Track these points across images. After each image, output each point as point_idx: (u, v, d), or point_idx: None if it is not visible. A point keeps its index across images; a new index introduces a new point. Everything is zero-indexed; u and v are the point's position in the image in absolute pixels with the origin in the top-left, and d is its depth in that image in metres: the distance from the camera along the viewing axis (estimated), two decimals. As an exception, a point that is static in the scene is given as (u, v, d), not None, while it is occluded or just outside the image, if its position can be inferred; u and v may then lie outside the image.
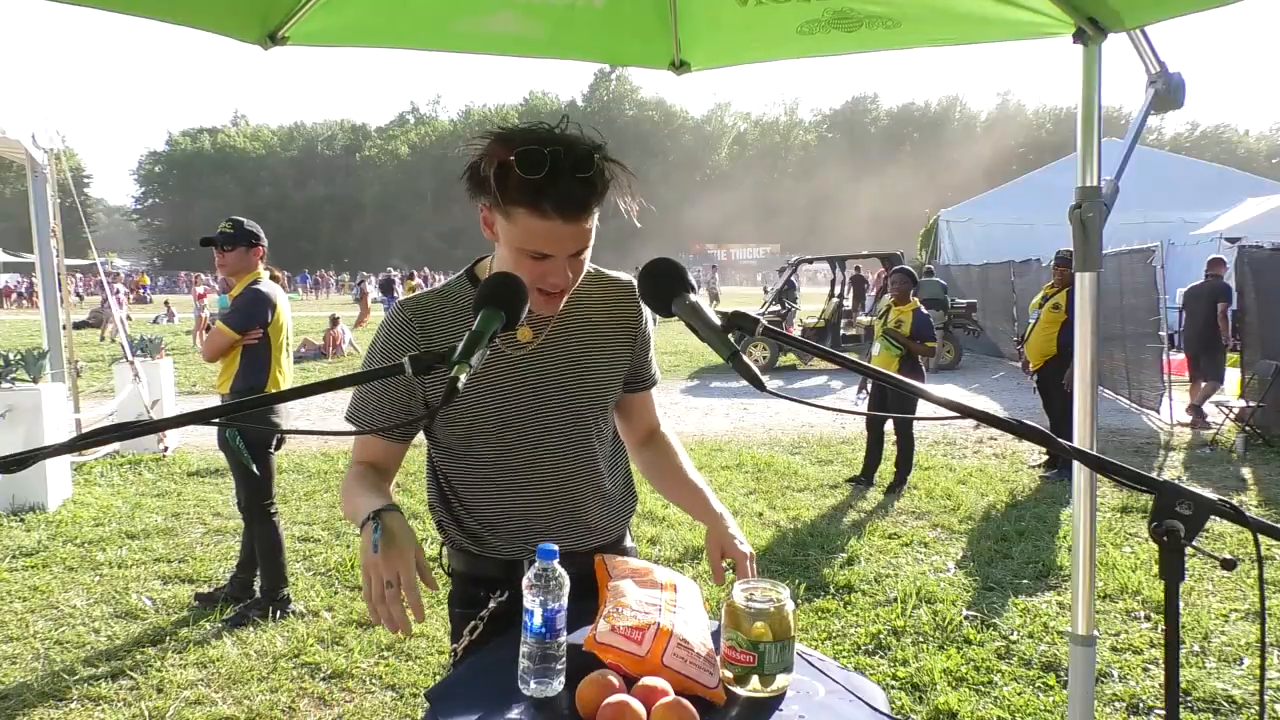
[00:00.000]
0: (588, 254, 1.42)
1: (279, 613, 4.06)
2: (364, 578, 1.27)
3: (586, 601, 1.41)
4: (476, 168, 1.33)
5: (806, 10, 1.97)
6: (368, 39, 2.12)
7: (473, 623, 1.52)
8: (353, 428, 1.51)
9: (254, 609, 4.07)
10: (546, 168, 1.25)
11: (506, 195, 1.30)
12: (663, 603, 1.35)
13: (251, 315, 3.95)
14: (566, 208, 1.29)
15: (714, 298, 29.54)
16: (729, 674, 1.24)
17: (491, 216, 1.37)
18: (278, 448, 4.22)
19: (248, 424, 4.12)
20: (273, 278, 4.19)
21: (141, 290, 40.95)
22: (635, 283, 1.55)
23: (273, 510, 4.12)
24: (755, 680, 1.23)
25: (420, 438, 1.61)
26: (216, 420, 0.98)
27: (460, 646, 1.55)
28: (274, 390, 3.99)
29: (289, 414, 4.83)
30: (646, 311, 1.60)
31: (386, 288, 28.29)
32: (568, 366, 1.53)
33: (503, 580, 1.55)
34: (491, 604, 1.53)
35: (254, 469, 3.97)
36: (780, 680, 1.24)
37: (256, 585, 4.23)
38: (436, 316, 1.49)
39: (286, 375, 4.14)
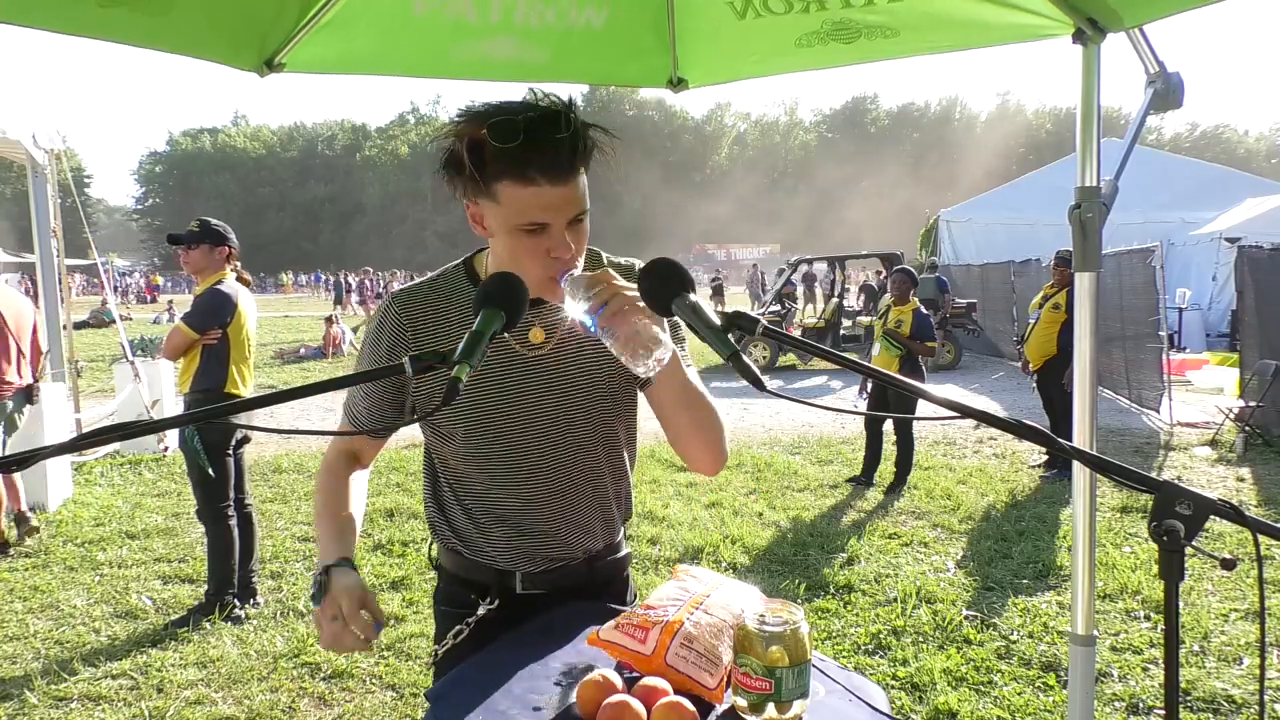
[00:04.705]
0: (586, 225, 1.34)
1: (225, 618, 4.01)
2: (316, 627, 1.30)
3: (581, 605, 1.43)
4: (452, 155, 1.28)
5: (805, 23, 1.96)
6: (366, 67, 2.11)
7: (459, 627, 1.49)
8: (347, 420, 1.51)
9: (199, 613, 4.02)
10: (521, 133, 1.22)
11: (487, 173, 1.26)
12: (686, 601, 1.34)
13: (210, 315, 3.93)
14: (550, 169, 1.24)
15: (718, 292, 29.78)
16: (743, 701, 1.19)
17: (479, 209, 1.32)
18: (239, 447, 4.15)
19: (250, 426, 4.13)
20: (240, 279, 4.13)
21: (153, 290, 41.40)
22: (636, 265, 1.52)
23: (229, 514, 4.05)
24: (771, 708, 1.17)
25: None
26: (217, 421, 0.98)
27: (443, 649, 1.51)
28: (231, 390, 3.96)
29: (253, 414, 4.82)
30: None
31: None
32: (580, 369, 1.47)
33: (493, 587, 1.52)
34: (481, 610, 1.50)
35: (209, 471, 3.93)
36: (797, 707, 1.19)
37: (253, 578, 4.25)
38: (428, 310, 1.45)
39: (246, 377, 4.09)
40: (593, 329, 1.22)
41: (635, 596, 1.68)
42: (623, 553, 1.65)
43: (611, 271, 1.25)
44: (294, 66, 1.99)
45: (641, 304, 1.19)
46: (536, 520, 1.50)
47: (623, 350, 1.20)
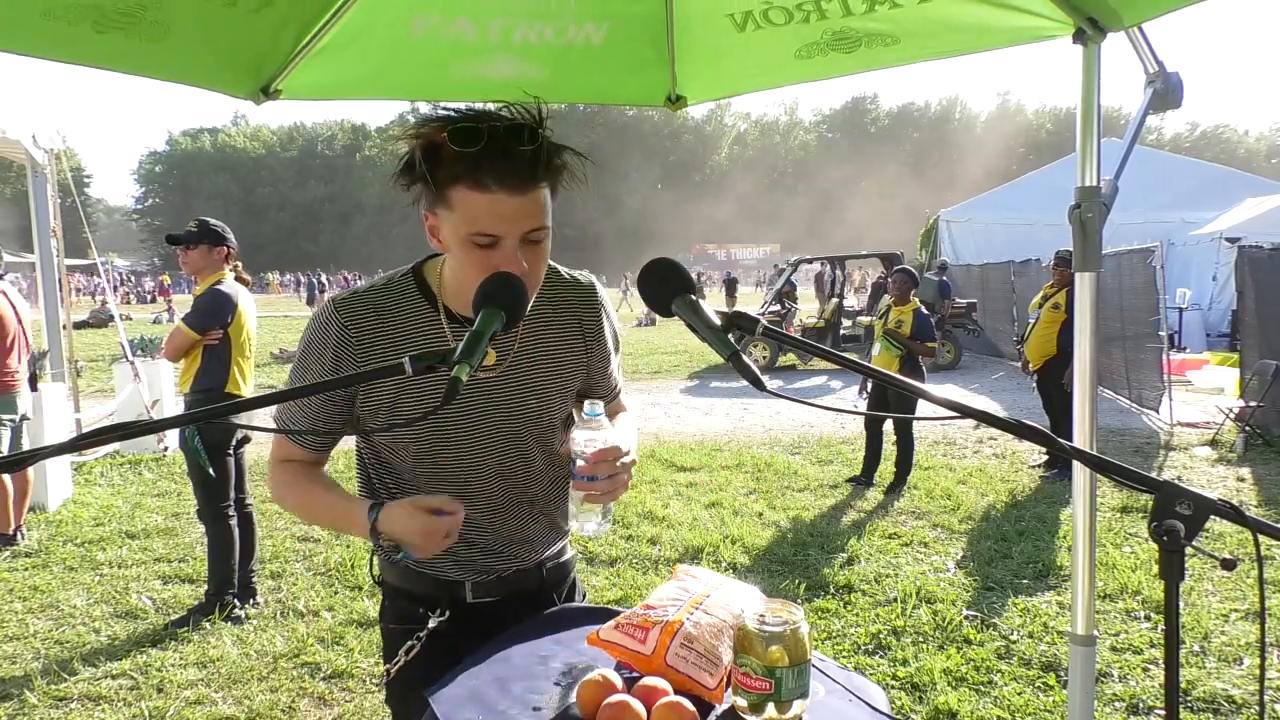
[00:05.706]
0: (546, 247, 1.30)
1: (225, 618, 4.01)
2: (404, 536, 1.30)
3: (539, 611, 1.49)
4: (410, 159, 1.24)
5: (805, 33, 1.94)
6: (363, 91, 2.10)
7: (410, 642, 1.46)
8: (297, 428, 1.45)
9: (199, 613, 4.03)
10: (484, 139, 1.18)
11: (441, 176, 1.21)
12: (686, 601, 1.34)
13: (210, 316, 3.93)
14: (508, 177, 1.19)
15: (731, 292, 30.22)
16: (743, 701, 1.19)
17: (436, 220, 1.28)
18: (239, 447, 4.14)
19: (248, 425, 4.13)
20: (239, 279, 4.13)
21: (165, 291, 41.70)
22: (595, 284, 1.52)
23: (229, 514, 4.06)
24: (771, 708, 1.18)
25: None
26: (218, 420, 0.98)
27: (394, 667, 1.46)
28: (232, 390, 3.97)
29: (253, 414, 4.82)
30: (610, 320, 1.55)
31: None
32: (532, 389, 1.45)
33: (443, 599, 1.49)
34: (432, 622, 1.46)
35: (210, 471, 3.94)
36: (797, 706, 1.19)
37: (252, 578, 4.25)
38: (373, 319, 1.38)
39: (246, 376, 4.10)
40: (573, 474, 1.34)
41: (585, 596, 1.70)
42: (568, 555, 1.66)
43: (622, 449, 1.32)
44: (290, 93, 1.98)
45: (620, 487, 1.33)
46: (487, 536, 1.49)
47: (575, 510, 1.37)
